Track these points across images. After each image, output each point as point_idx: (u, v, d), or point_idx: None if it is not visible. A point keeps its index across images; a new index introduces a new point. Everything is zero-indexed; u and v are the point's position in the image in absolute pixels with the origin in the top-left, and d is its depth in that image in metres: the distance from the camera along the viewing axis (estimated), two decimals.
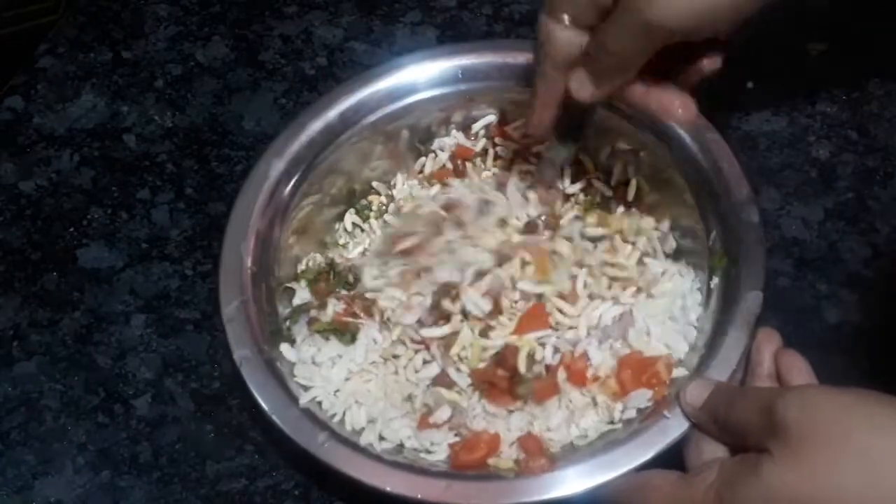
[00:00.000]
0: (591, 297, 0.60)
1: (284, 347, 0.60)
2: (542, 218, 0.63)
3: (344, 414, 0.58)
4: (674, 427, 0.52)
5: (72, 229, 0.71)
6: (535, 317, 0.59)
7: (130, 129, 0.76)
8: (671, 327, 0.59)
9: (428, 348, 0.60)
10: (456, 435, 0.57)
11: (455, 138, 0.69)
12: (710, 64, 0.54)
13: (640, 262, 0.62)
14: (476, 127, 0.69)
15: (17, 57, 0.83)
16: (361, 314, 0.61)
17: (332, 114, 0.66)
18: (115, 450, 0.62)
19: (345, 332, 0.61)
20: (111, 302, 0.67)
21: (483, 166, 0.68)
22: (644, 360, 0.57)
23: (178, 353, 0.65)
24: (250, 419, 0.62)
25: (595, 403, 0.57)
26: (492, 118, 0.68)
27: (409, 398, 0.59)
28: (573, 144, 0.61)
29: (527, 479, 0.53)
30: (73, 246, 0.70)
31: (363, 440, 0.56)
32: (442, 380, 0.59)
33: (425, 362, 0.60)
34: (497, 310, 0.60)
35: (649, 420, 0.53)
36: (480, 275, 0.60)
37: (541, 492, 0.52)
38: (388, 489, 0.52)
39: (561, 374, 0.57)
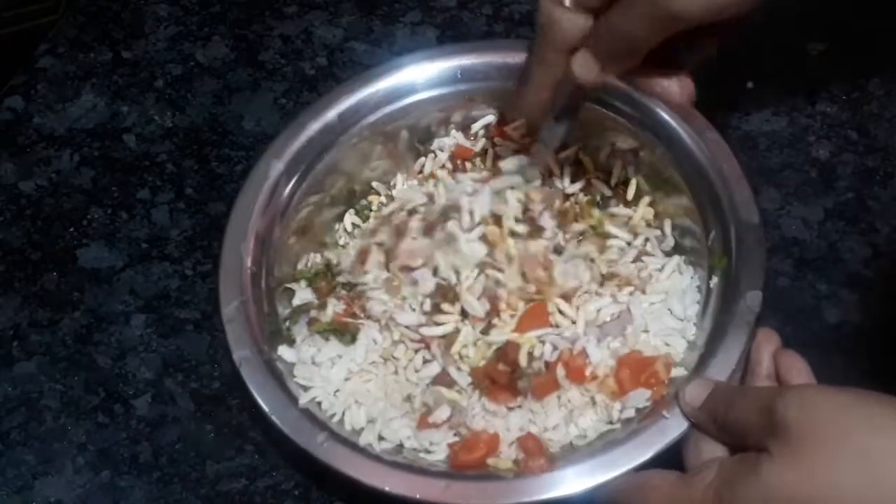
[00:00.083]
0: (589, 295, 0.60)
1: (284, 348, 0.60)
2: (540, 215, 0.63)
3: (343, 414, 0.58)
4: (673, 427, 0.52)
5: (72, 229, 0.71)
6: (536, 316, 0.59)
7: (130, 129, 0.76)
8: (669, 325, 0.59)
9: (428, 347, 0.60)
10: (455, 435, 0.57)
11: (454, 138, 0.69)
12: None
13: (638, 260, 0.62)
14: (475, 127, 0.69)
15: (17, 57, 0.83)
16: (361, 314, 0.61)
17: (332, 114, 0.66)
18: (115, 450, 0.62)
19: (345, 332, 0.61)
20: (111, 302, 0.68)
21: (483, 166, 0.69)
22: (643, 360, 0.57)
23: (178, 353, 0.65)
24: (250, 419, 0.62)
25: (594, 403, 0.57)
26: (491, 118, 0.68)
27: (409, 398, 0.59)
28: (567, 124, 0.61)
29: (526, 479, 0.53)
30: (73, 246, 0.70)
31: (362, 440, 0.56)
32: (442, 379, 0.59)
33: (425, 362, 0.60)
34: (495, 309, 0.60)
35: (648, 420, 0.53)
36: (475, 277, 0.60)
37: (540, 492, 0.52)
38: (387, 489, 0.52)
39: (560, 371, 0.57)
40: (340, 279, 0.64)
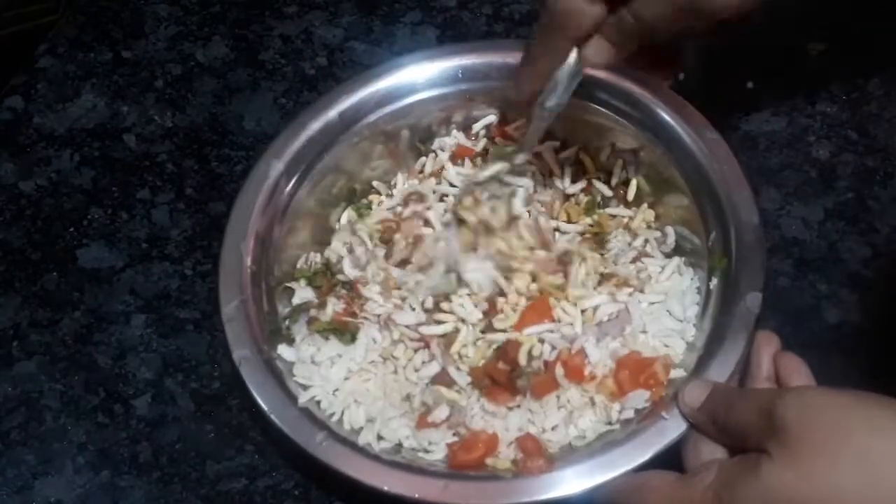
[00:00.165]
0: (588, 294, 0.60)
1: (283, 347, 0.60)
2: (541, 217, 0.63)
3: (342, 413, 0.58)
4: (672, 428, 0.52)
5: (72, 229, 0.71)
6: (538, 311, 0.59)
7: (130, 129, 0.76)
8: (669, 327, 0.59)
9: (428, 346, 0.60)
10: (454, 434, 0.57)
11: (455, 138, 0.69)
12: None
13: (638, 260, 0.62)
14: (476, 127, 0.69)
15: (17, 57, 0.83)
16: (361, 314, 0.61)
17: (332, 114, 0.66)
18: (115, 450, 0.62)
19: (344, 331, 0.61)
20: (111, 302, 0.68)
21: (483, 166, 0.68)
22: (642, 361, 0.57)
23: (178, 352, 0.65)
24: (250, 419, 0.62)
25: (593, 404, 0.57)
26: (492, 118, 0.69)
27: (408, 398, 0.59)
28: (565, 99, 0.59)
29: (525, 479, 0.53)
30: (74, 246, 0.70)
31: (361, 440, 0.56)
32: (441, 378, 0.59)
33: (424, 362, 0.60)
34: (493, 310, 0.60)
35: (647, 421, 0.54)
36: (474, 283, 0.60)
37: (539, 492, 0.52)
38: (385, 489, 0.53)
39: (559, 371, 0.57)
40: (340, 278, 0.64)
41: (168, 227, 0.71)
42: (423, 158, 0.69)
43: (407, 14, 0.81)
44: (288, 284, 0.64)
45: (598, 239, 0.64)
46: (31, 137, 0.76)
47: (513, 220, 0.63)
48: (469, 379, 0.58)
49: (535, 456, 0.54)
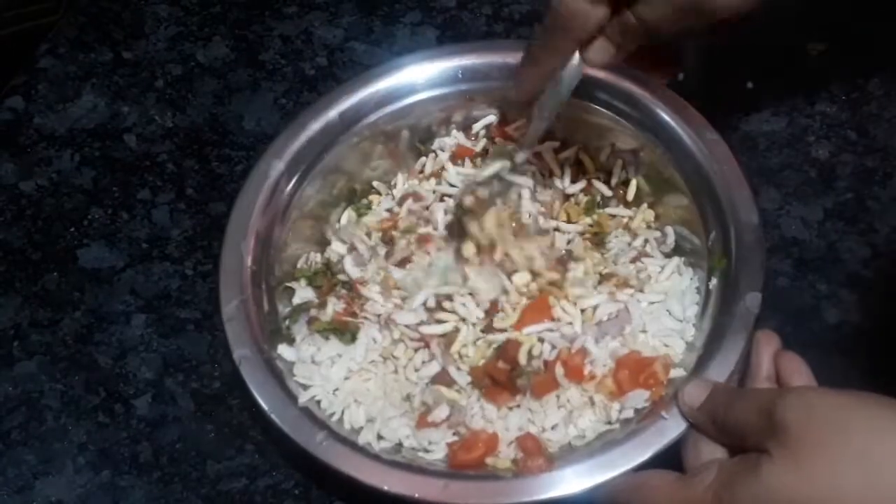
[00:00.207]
0: (588, 294, 0.60)
1: (284, 347, 0.60)
2: (542, 217, 0.64)
3: (343, 413, 0.58)
4: (671, 428, 0.52)
5: (72, 229, 0.71)
6: (538, 310, 0.59)
7: (131, 130, 0.76)
8: (668, 326, 0.59)
9: (428, 346, 0.60)
10: (454, 434, 0.57)
11: (455, 138, 0.69)
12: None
13: (638, 260, 0.63)
14: (476, 127, 0.69)
15: (17, 57, 0.83)
16: (361, 313, 0.61)
17: (333, 114, 0.66)
18: (116, 449, 0.62)
19: (345, 331, 0.61)
20: (112, 302, 0.68)
21: (484, 165, 0.68)
22: (641, 361, 0.57)
23: (179, 352, 0.65)
24: (250, 418, 0.62)
25: (592, 403, 0.57)
26: (492, 118, 0.69)
27: (408, 397, 0.59)
28: (566, 97, 0.60)
29: (525, 478, 0.53)
30: (74, 246, 0.70)
31: (361, 439, 0.56)
32: (441, 378, 0.59)
33: (424, 361, 0.60)
34: (494, 309, 0.60)
35: (647, 420, 0.54)
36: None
37: (539, 491, 0.52)
38: (385, 488, 0.53)
39: (559, 370, 0.57)
40: (341, 277, 0.64)
41: (168, 227, 0.71)
42: (423, 158, 0.69)
43: (407, 14, 0.81)
44: (288, 284, 0.64)
45: (597, 239, 0.65)
46: (31, 138, 0.76)
47: (521, 227, 0.63)
48: (469, 378, 0.58)
49: (535, 455, 0.54)
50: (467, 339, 0.59)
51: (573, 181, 0.67)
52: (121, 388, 0.64)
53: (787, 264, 0.66)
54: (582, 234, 0.65)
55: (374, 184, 0.69)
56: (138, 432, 0.62)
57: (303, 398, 0.57)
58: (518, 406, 0.58)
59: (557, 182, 0.67)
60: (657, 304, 0.60)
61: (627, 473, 0.52)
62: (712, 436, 0.51)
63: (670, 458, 0.52)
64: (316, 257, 0.66)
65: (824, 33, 0.76)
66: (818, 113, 0.73)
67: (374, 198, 0.69)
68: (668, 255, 0.63)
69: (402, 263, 0.63)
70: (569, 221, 0.65)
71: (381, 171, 0.69)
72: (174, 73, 0.79)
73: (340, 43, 0.80)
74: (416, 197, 0.67)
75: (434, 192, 0.67)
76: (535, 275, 0.61)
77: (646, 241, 0.64)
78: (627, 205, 0.66)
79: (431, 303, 0.61)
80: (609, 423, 0.56)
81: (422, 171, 0.69)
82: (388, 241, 0.65)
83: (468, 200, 0.63)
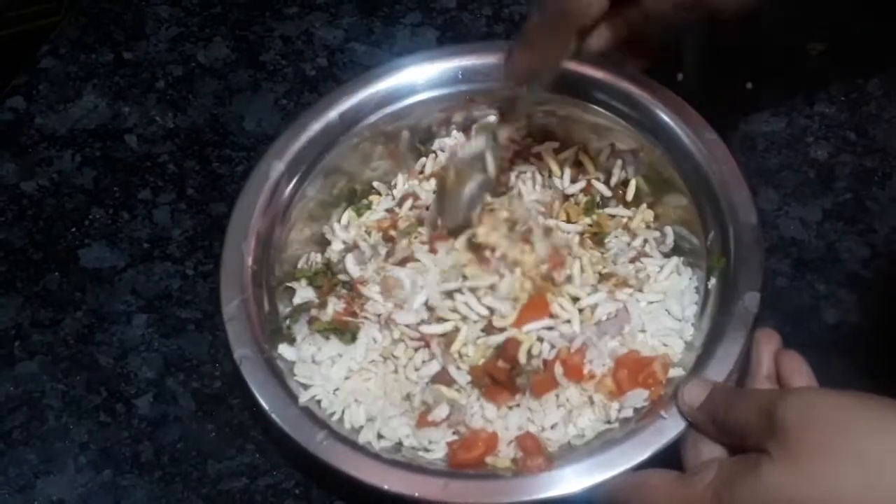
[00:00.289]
0: (587, 293, 0.60)
1: (284, 346, 0.60)
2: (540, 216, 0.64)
3: (343, 412, 0.58)
4: (671, 427, 0.53)
5: (73, 229, 0.71)
6: (536, 307, 0.59)
7: (132, 130, 0.76)
8: (667, 326, 0.59)
9: (428, 345, 0.60)
10: (454, 433, 0.57)
11: (455, 139, 0.69)
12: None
13: (637, 260, 0.63)
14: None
15: (18, 57, 0.84)
16: (361, 313, 0.62)
17: (333, 114, 0.66)
18: (117, 449, 0.62)
19: (345, 331, 0.61)
20: (113, 302, 0.68)
21: (466, 142, 0.68)
22: (640, 360, 0.57)
23: (180, 352, 0.66)
24: (251, 418, 0.62)
25: (592, 403, 0.57)
26: (492, 119, 0.69)
27: (408, 397, 0.59)
28: (557, 74, 0.60)
29: (524, 477, 0.53)
30: (75, 246, 0.70)
31: (361, 438, 0.57)
32: (441, 377, 0.59)
33: (424, 361, 0.60)
34: (493, 308, 0.60)
35: (646, 420, 0.54)
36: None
37: (538, 491, 0.52)
38: (386, 487, 0.53)
39: (558, 369, 0.57)
40: (341, 277, 0.64)
41: (169, 228, 0.71)
42: (424, 159, 0.69)
43: (407, 15, 0.81)
44: (289, 284, 0.64)
45: (597, 239, 0.65)
46: (32, 138, 0.76)
47: (519, 227, 0.63)
48: (469, 378, 0.59)
49: (535, 454, 0.55)
50: (467, 339, 0.59)
51: (573, 181, 0.67)
52: (122, 387, 0.64)
53: (785, 264, 0.66)
54: (581, 233, 0.65)
55: (375, 184, 0.69)
56: (139, 432, 0.63)
57: (303, 398, 0.57)
58: (518, 405, 0.58)
59: (557, 182, 0.67)
60: (656, 304, 0.60)
61: (627, 473, 0.52)
62: (712, 435, 0.51)
63: (669, 458, 0.52)
64: (316, 257, 0.66)
65: (824, 33, 0.76)
66: (817, 113, 0.73)
67: (374, 198, 0.69)
68: (667, 255, 0.63)
69: (402, 263, 0.63)
70: (568, 221, 0.65)
71: (382, 172, 0.69)
72: (175, 74, 0.79)
73: (341, 44, 0.80)
74: (416, 197, 0.67)
75: (434, 192, 0.67)
76: (534, 274, 0.61)
77: (645, 240, 0.64)
78: (627, 205, 0.66)
79: (431, 302, 0.61)
80: (608, 422, 0.57)
81: (422, 172, 0.69)
82: (388, 241, 0.65)
83: (451, 175, 0.62)
